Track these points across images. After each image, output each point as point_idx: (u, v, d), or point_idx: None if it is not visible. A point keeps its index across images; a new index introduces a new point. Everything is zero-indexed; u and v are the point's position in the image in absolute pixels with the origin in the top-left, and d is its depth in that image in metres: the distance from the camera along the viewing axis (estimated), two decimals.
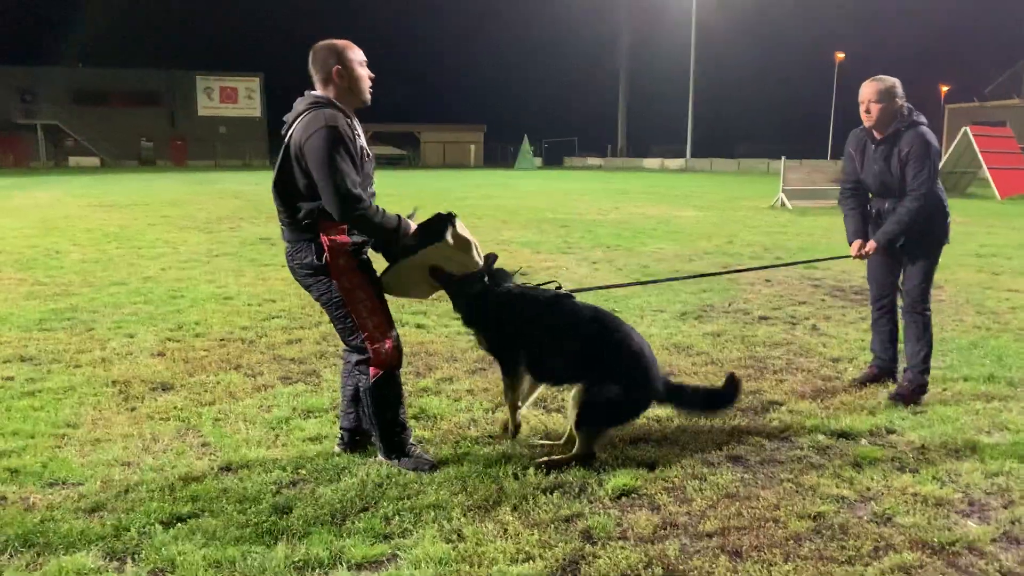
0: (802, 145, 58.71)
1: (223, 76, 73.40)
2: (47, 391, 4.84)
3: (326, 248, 3.50)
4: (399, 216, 3.57)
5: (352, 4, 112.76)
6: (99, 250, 11.50)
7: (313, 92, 3.54)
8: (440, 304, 7.40)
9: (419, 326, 6.66)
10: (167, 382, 5.08)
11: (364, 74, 3.59)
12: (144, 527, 3.14)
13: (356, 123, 3.57)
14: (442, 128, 78.09)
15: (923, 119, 4.72)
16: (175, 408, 4.58)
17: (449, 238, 3.61)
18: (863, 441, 4.12)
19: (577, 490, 3.51)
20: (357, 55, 3.56)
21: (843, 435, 4.20)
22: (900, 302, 4.93)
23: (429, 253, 3.66)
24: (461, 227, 3.69)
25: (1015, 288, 8.56)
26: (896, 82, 4.71)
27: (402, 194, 24.92)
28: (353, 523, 3.19)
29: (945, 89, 66.12)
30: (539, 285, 4.11)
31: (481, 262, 3.83)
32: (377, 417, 3.72)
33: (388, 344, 3.65)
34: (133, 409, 4.58)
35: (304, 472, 3.69)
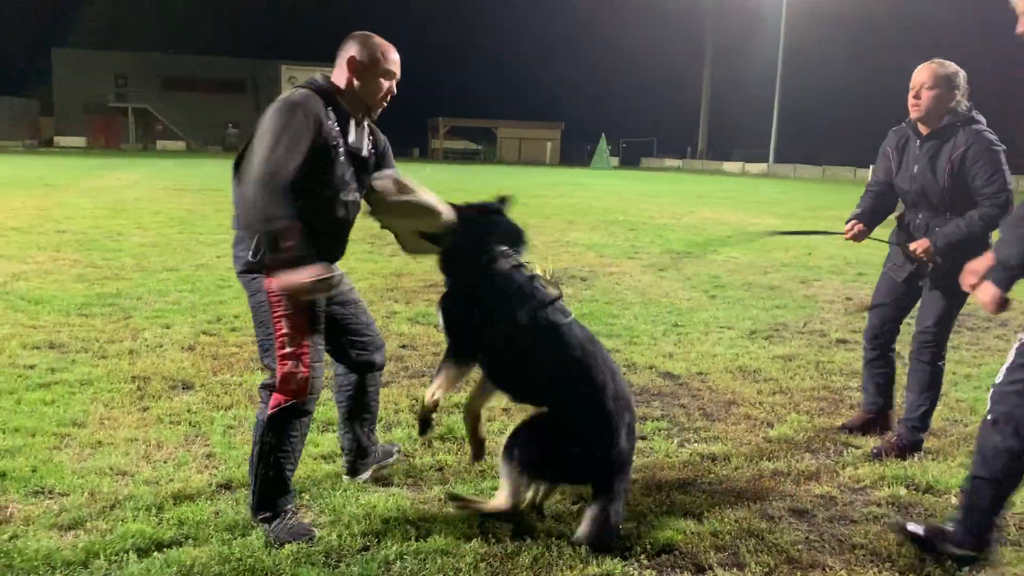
0: None
1: (306, 66, 74.57)
2: (63, 383, 4.60)
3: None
4: (292, 227, 2.68)
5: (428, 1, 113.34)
6: (160, 234, 11.47)
7: (314, 76, 3.06)
8: None
9: None
10: (188, 380, 4.79)
11: (381, 84, 3.07)
12: (117, 554, 2.80)
13: (357, 126, 3.09)
14: (520, 124, 77.70)
15: (983, 119, 3.86)
16: (188, 411, 4.27)
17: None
18: (953, 500, 3.53)
19: None
20: (383, 63, 3.05)
21: (929, 490, 3.62)
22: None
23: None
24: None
25: None
26: (959, 71, 3.86)
27: (471, 189, 24.64)
28: (348, 566, 2.79)
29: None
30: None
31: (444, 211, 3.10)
32: (257, 460, 3.00)
33: (303, 372, 2.95)
34: (146, 409, 4.29)
35: (307, 497, 3.31)
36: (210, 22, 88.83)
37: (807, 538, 3.12)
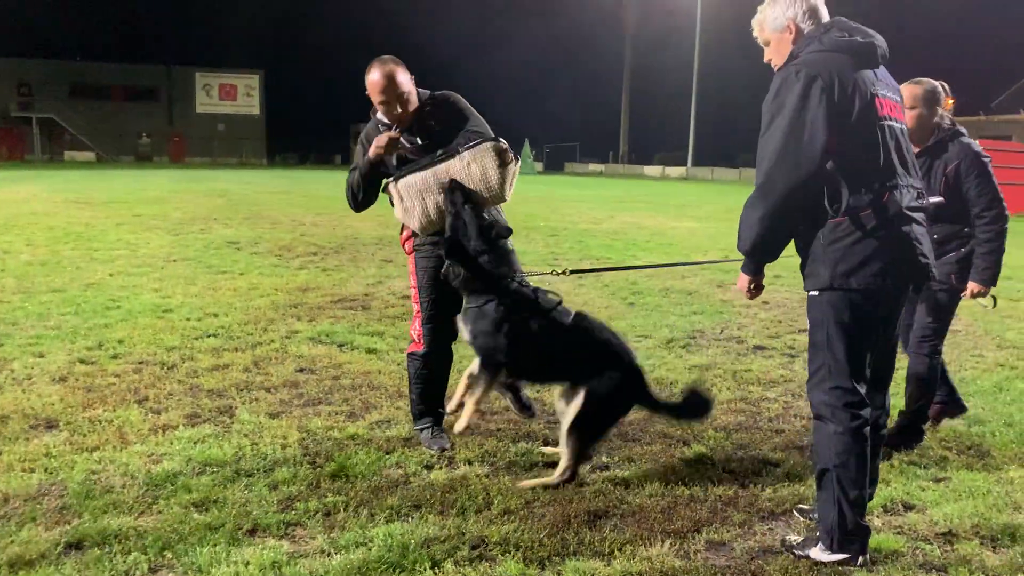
0: None
1: (222, 73, 72.71)
2: None
3: (403, 243, 4.22)
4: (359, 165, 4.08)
5: (350, 3, 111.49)
6: (51, 251, 10.72)
7: None
8: (400, 323, 6.65)
9: (370, 351, 5.88)
10: (53, 418, 4.31)
11: (377, 102, 3.93)
12: None
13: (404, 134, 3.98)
14: None
15: (964, 130, 4.16)
16: (47, 455, 3.80)
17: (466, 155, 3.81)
18: (876, 521, 3.35)
19: None
20: (370, 86, 3.87)
21: None
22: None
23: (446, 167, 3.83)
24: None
25: None
26: (938, 87, 4.11)
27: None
28: None
29: (950, 102, 65.20)
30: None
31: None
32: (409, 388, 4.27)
33: (416, 326, 4.11)
34: None
35: (169, 555, 2.91)
36: (120, 28, 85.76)
37: None
